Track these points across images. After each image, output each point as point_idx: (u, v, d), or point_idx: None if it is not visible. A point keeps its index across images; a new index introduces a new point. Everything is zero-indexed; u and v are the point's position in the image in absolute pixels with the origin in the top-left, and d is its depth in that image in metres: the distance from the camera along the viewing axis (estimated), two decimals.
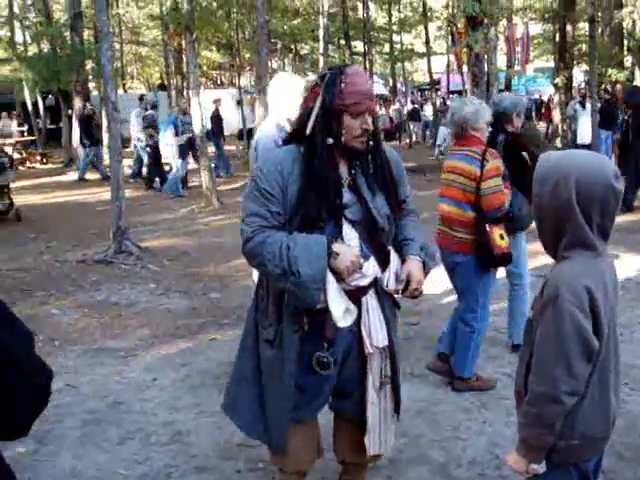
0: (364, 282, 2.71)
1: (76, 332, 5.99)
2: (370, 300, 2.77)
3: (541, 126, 30.85)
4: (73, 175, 18.91)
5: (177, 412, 4.39)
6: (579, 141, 16.14)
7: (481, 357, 5.08)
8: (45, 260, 8.78)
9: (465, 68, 23.42)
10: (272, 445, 2.89)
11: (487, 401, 4.40)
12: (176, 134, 14.41)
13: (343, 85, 2.59)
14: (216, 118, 17.85)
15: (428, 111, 27.94)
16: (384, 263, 2.77)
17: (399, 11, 32.78)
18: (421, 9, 29.37)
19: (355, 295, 2.69)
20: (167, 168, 15.72)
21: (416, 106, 28.69)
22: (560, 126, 20.13)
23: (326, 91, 2.62)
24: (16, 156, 19.33)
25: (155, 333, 5.89)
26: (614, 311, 2.18)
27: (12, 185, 11.92)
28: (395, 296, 2.88)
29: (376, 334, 2.77)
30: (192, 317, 6.31)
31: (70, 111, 20.45)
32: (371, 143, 2.71)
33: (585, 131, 15.87)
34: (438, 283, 5.52)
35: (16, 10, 27.75)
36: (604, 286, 2.09)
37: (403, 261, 2.82)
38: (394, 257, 2.82)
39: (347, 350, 2.79)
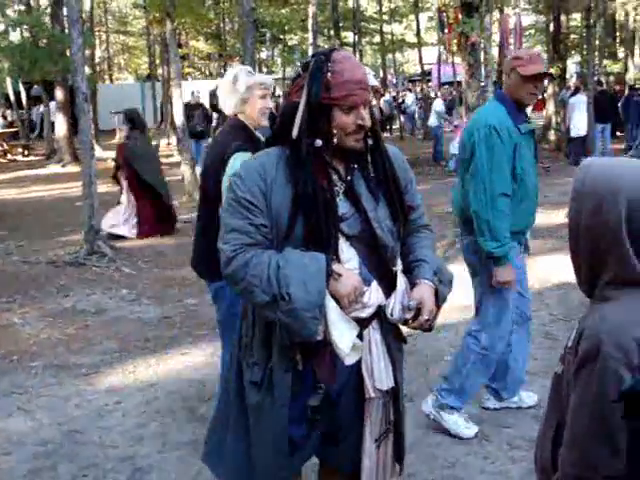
0: (365, 313, 2.21)
1: (37, 345, 5.47)
2: (373, 333, 2.27)
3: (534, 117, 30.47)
4: (54, 168, 18.36)
5: (140, 443, 3.90)
6: (573, 133, 15.74)
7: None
8: (13, 261, 8.24)
9: (457, 59, 22.99)
10: None
11: (488, 431, 3.92)
12: None
13: (330, 74, 2.10)
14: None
15: (409, 101, 27.45)
16: (388, 288, 2.26)
17: (390, 1, 32.23)
18: None
19: None
20: None
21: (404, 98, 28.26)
22: (554, 118, 19.65)
23: (311, 83, 2.12)
24: None
25: (122, 346, 5.38)
26: None
27: None
28: (402, 327, 2.38)
29: (380, 375, 2.27)
30: (164, 328, 5.80)
31: (52, 101, 19.92)
32: (370, 142, 2.22)
33: (580, 123, 15.46)
34: None
35: None
36: None
37: (413, 286, 2.31)
38: (401, 280, 2.29)
39: (342, 391, 2.29)
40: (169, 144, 22.12)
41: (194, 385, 4.61)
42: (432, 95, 26.08)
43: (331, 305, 2.08)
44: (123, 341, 5.50)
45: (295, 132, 2.14)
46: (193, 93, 16.31)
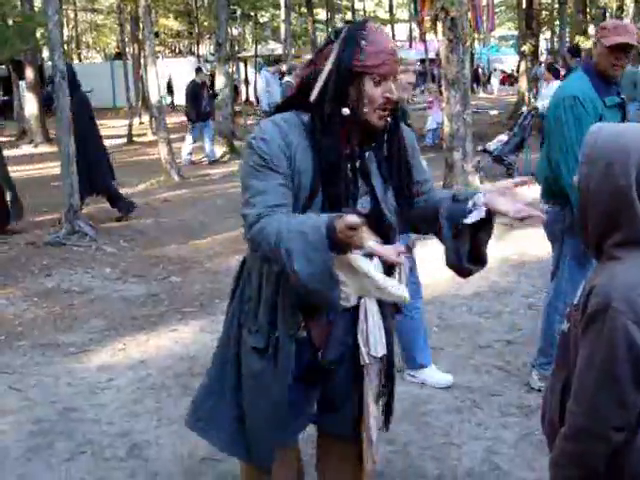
0: None
1: (23, 325, 5.44)
2: (369, 303, 2.28)
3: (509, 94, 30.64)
4: (26, 148, 18.11)
5: (135, 419, 3.91)
6: (542, 110, 15.78)
7: (468, 347, 4.72)
8: None
9: (430, 36, 22.98)
10: (255, 464, 2.42)
11: (478, 399, 4.00)
12: None
13: (364, 42, 2.05)
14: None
15: None
16: (389, 265, 2.26)
17: None
18: None
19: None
20: None
21: None
22: (527, 95, 19.78)
23: (343, 48, 2.07)
24: None
25: (110, 325, 5.38)
26: None
27: None
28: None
29: (375, 343, 2.30)
30: (151, 305, 5.80)
31: (22, 81, 19.62)
32: (389, 120, 2.17)
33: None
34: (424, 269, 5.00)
35: None
36: None
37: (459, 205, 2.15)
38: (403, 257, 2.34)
39: (339, 358, 2.32)
40: (142, 123, 21.92)
41: (185, 361, 4.63)
42: None
43: (366, 263, 1.99)
44: (110, 319, 5.50)
45: (314, 96, 2.09)
46: (200, 70, 15.07)
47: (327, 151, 2.09)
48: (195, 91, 14.16)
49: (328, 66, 2.09)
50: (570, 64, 11.38)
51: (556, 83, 11.56)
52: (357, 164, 2.18)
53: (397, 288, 2.05)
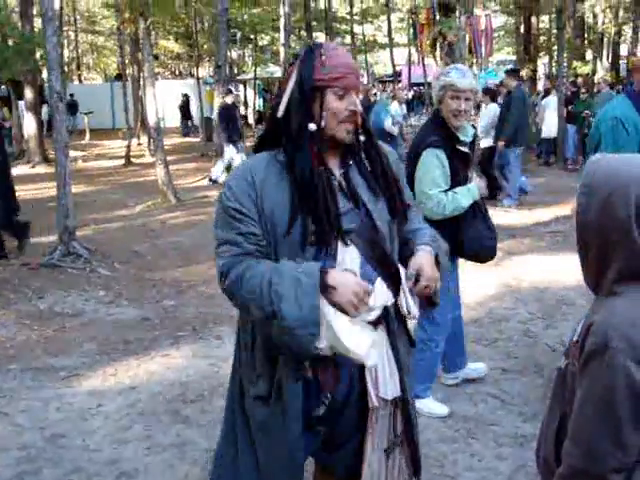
0: (372, 316, 2.12)
1: (14, 348, 5.38)
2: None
3: None
4: (23, 168, 18.07)
5: (124, 446, 3.84)
6: (544, 134, 15.88)
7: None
8: None
9: (427, 60, 23.12)
10: None
11: (473, 428, 3.94)
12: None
13: (324, 57, 2.06)
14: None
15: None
16: (393, 286, 2.19)
17: (361, 2, 32.33)
18: (383, 0, 28.99)
19: None
20: None
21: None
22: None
23: (303, 64, 2.08)
24: None
25: (102, 349, 5.31)
26: None
27: None
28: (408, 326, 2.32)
29: (384, 383, 2.17)
30: (144, 329, 5.73)
31: (21, 102, 19.64)
32: (362, 138, 2.17)
33: (550, 124, 15.58)
34: None
35: None
36: None
37: (411, 255, 2.22)
38: (404, 275, 2.24)
39: (346, 399, 2.19)
40: (140, 144, 21.92)
41: (177, 386, 4.56)
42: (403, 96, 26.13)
43: (333, 314, 1.96)
44: (102, 343, 5.43)
45: (281, 111, 2.09)
46: (231, 92, 14.60)
47: (299, 168, 2.06)
48: (229, 113, 14.08)
49: (290, 83, 2.09)
50: (508, 86, 11.31)
51: (492, 106, 11.53)
52: (335, 182, 2.13)
53: (357, 347, 1.98)
